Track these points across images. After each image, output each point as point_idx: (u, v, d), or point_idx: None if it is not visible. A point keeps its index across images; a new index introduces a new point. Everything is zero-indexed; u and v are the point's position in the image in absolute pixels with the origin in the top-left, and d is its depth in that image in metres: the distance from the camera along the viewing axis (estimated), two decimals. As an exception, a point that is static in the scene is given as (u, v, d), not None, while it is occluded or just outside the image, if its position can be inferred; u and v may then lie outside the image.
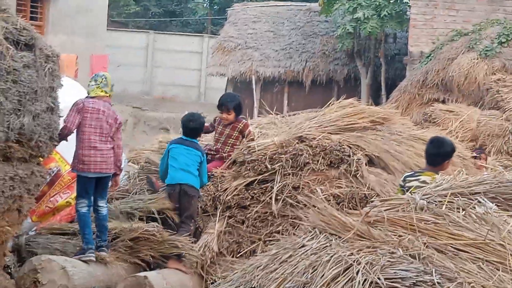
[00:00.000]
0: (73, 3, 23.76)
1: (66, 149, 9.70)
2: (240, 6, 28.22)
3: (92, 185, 8.25)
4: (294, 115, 10.87)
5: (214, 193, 8.93)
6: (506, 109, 14.27)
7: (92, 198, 8.28)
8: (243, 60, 25.07)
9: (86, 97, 8.33)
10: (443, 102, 15.98)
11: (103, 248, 8.08)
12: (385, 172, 9.29)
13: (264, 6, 28.18)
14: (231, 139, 9.39)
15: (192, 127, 9.03)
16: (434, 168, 7.33)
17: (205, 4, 46.85)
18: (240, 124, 9.42)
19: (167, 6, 44.29)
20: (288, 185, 8.79)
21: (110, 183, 8.54)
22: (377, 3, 21.16)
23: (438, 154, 7.48)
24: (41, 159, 7.76)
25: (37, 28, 7.46)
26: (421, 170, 7.70)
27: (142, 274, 7.82)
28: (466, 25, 18.41)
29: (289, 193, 8.74)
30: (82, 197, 8.22)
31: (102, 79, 8.37)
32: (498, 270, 4.44)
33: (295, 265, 4.63)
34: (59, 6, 23.36)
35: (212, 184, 9.00)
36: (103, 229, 8.23)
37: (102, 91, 8.30)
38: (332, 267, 4.34)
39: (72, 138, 9.31)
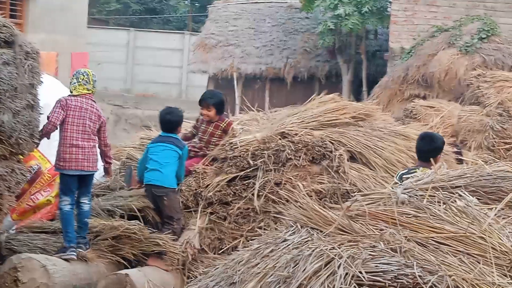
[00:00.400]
0: (53, 1, 23.64)
1: (47, 147, 9.67)
2: (221, 3, 28.18)
3: (75, 183, 8.20)
4: (275, 111, 10.83)
5: (196, 189, 8.90)
6: (487, 105, 14.32)
7: (75, 196, 8.24)
8: (224, 57, 25.07)
9: (69, 95, 8.26)
10: (424, 98, 16.03)
11: (80, 245, 8.04)
12: (366, 168, 9.30)
13: (245, 3, 28.16)
14: (214, 138, 9.30)
15: (169, 120, 8.94)
16: (427, 164, 7.39)
17: (186, 2, 46.80)
18: (223, 123, 9.33)
19: (147, 3, 44.16)
20: (270, 181, 8.78)
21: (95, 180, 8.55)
22: (358, 0, 21.20)
23: (430, 150, 7.65)
24: (22, 156, 7.73)
25: (17, 26, 7.43)
26: (415, 166, 7.87)
27: (123, 271, 7.79)
28: (446, 21, 18.51)
29: (271, 189, 8.73)
30: (64, 195, 8.17)
31: (84, 76, 8.29)
32: (479, 263, 4.46)
33: (277, 259, 4.62)
34: (39, 4, 23.24)
35: (194, 180, 8.97)
36: (84, 225, 8.20)
37: (84, 88, 8.23)
38: (314, 261, 4.34)
39: (54, 136, 9.29)
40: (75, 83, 8.24)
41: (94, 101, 8.32)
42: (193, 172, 9.02)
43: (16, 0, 22.52)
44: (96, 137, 8.29)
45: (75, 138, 8.05)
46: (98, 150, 8.41)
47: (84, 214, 8.22)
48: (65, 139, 8.07)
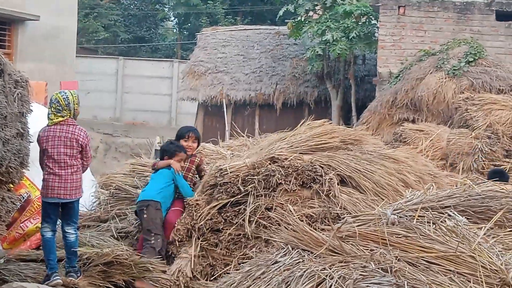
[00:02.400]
0: (41, 30, 23.68)
1: (36, 175, 9.68)
2: (209, 31, 28.28)
3: (55, 211, 8.12)
4: (265, 136, 10.85)
5: (190, 225, 8.85)
6: (475, 127, 14.35)
7: (56, 223, 8.18)
8: (214, 84, 25.12)
9: (46, 125, 8.09)
10: (413, 121, 16.05)
11: (71, 274, 8.00)
12: (357, 192, 9.29)
13: (233, 30, 28.29)
14: (190, 173, 9.22)
15: (163, 149, 9.21)
16: None
17: (174, 30, 46.99)
18: (197, 159, 9.33)
19: (136, 32, 44.34)
20: (261, 206, 8.76)
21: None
22: (346, 25, 21.31)
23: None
24: (12, 185, 7.72)
25: (6, 55, 7.41)
26: None
27: (115, 298, 7.79)
28: (433, 45, 18.61)
29: (262, 214, 8.72)
30: (45, 222, 8.12)
31: (55, 104, 8.05)
32: (470, 281, 4.48)
33: (268, 281, 4.63)
34: (27, 33, 23.28)
35: (188, 215, 8.92)
36: (71, 255, 8.10)
37: (57, 116, 8.02)
38: (305, 282, 4.35)
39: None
40: (49, 113, 8.08)
41: (73, 124, 8.07)
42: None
43: (5, 30, 22.57)
44: (78, 161, 8.10)
45: (51, 167, 7.95)
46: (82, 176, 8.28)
47: (70, 245, 8.09)
48: (45, 168, 8.03)
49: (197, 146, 9.51)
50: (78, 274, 8.07)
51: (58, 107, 8.02)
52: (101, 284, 8.13)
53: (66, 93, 8.19)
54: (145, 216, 8.58)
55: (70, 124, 8.05)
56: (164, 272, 8.28)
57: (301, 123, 10.53)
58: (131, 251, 8.32)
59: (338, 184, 9.12)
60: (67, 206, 8.15)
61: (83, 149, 8.14)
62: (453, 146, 14.03)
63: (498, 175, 10.37)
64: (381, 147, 10.90)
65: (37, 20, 23.14)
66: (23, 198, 9.57)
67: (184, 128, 9.63)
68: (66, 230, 8.13)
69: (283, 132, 10.32)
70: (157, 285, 8.20)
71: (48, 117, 8.09)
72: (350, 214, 8.20)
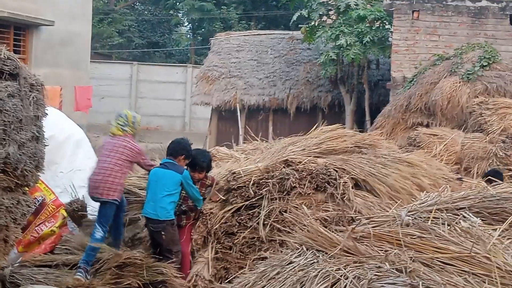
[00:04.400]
0: (56, 36, 23.81)
1: (51, 178, 9.73)
2: (223, 36, 28.31)
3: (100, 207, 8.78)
4: (278, 140, 10.86)
5: (205, 233, 8.88)
6: (490, 132, 14.32)
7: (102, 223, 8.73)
8: (227, 89, 25.12)
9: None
10: (427, 126, 16.03)
11: (80, 269, 8.14)
12: (371, 195, 9.28)
13: (247, 35, 28.31)
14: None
15: (172, 147, 8.99)
16: None
17: (188, 35, 47.08)
18: (208, 181, 9.17)
19: (150, 37, 44.49)
20: (275, 210, 8.77)
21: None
22: (359, 30, 21.30)
23: None
24: (27, 188, 7.75)
25: (21, 61, 7.50)
26: None
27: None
28: (448, 50, 18.58)
29: (276, 218, 8.72)
30: None
31: (122, 118, 8.98)
32: (484, 282, 4.47)
33: (283, 281, 4.63)
34: (42, 39, 23.41)
35: (202, 223, 8.93)
36: (87, 249, 8.41)
37: (119, 130, 8.91)
38: (320, 282, 4.35)
39: (58, 167, 9.41)
40: (113, 125, 9.01)
41: (131, 140, 8.92)
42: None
43: (20, 35, 22.69)
44: (119, 169, 8.73)
45: (96, 167, 8.83)
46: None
47: (92, 240, 8.47)
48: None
49: (208, 170, 9.31)
50: (85, 273, 8.14)
51: (124, 122, 8.95)
52: (113, 286, 8.16)
53: (135, 113, 9.26)
54: (163, 237, 8.53)
55: (129, 140, 8.93)
56: (178, 277, 8.28)
57: (314, 127, 10.54)
58: (144, 253, 8.34)
59: (352, 187, 9.12)
60: (101, 205, 8.78)
61: (138, 158, 8.92)
62: (468, 150, 13.99)
63: (495, 174, 10.43)
64: (396, 151, 10.89)
65: (52, 26, 23.28)
66: (38, 201, 9.61)
67: (194, 159, 9.13)
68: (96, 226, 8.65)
69: (296, 137, 10.34)
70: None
71: (111, 128, 9.06)
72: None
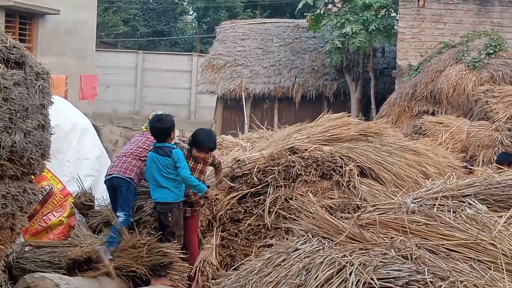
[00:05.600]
0: (61, 25, 23.83)
1: (58, 167, 9.74)
2: (228, 24, 28.30)
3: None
4: (284, 128, 10.86)
5: (210, 216, 8.89)
6: (495, 120, 14.32)
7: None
8: (233, 77, 25.14)
9: None
10: (433, 114, 16.02)
11: (103, 246, 8.23)
12: (377, 183, 9.29)
13: (252, 23, 28.29)
14: (203, 176, 8.86)
15: (159, 128, 8.63)
16: None
17: (193, 23, 47.06)
18: (210, 158, 8.89)
19: (155, 26, 44.47)
20: (281, 197, 8.78)
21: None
22: (365, 18, 21.27)
23: None
24: (33, 176, 7.75)
25: (26, 49, 7.50)
26: None
27: (137, 290, 7.83)
28: (453, 38, 18.55)
29: (282, 205, 8.73)
30: None
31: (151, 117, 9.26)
32: (490, 269, 4.48)
33: (289, 268, 4.65)
34: (48, 27, 23.43)
35: (208, 208, 8.93)
36: (111, 232, 8.50)
37: (146, 127, 9.37)
38: (326, 269, 4.36)
39: (65, 156, 9.45)
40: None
41: (149, 134, 9.06)
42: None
43: (25, 24, 22.71)
44: (136, 154, 9.00)
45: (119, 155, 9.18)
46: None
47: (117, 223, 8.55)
48: None
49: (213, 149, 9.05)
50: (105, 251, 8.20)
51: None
52: (120, 274, 8.18)
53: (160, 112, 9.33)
54: (170, 219, 8.46)
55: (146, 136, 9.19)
56: (183, 259, 8.27)
57: (320, 116, 10.54)
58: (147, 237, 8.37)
59: (358, 175, 9.12)
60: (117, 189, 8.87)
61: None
62: (473, 138, 14.00)
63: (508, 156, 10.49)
64: (401, 139, 10.89)
65: (57, 15, 23.29)
66: (45, 190, 9.61)
67: (200, 140, 8.77)
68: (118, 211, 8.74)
69: (302, 125, 10.34)
70: (177, 275, 8.22)
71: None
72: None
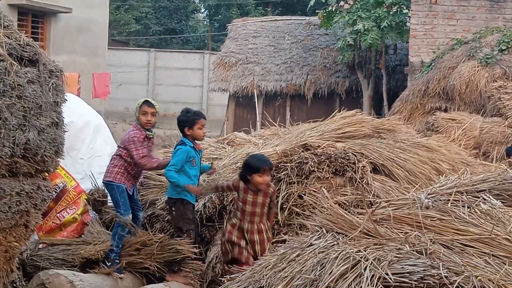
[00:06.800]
0: (73, 23, 23.89)
1: (71, 165, 9.77)
2: (240, 22, 28.32)
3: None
4: (296, 125, 10.88)
5: (219, 206, 8.88)
6: (508, 116, 14.27)
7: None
8: (245, 75, 25.15)
9: None
10: (445, 110, 15.97)
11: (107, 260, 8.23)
12: (390, 180, 9.27)
13: (264, 21, 28.31)
14: (265, 209, 7.98)
15: (177, 119, 8.68)
16: None
17: (205, 21, 47.08)
18: (270, 189, 8.01)
19: (167, 24, 44.52)
20: (294, 194, 8.76)
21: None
22: (377, 15, 21.24)
23: None
24: (47, 174, 7.78)
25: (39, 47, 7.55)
26: None
27: (149, 286, 7.83)
28: (466, 34, 18.50)
29: (295, 202, 8.72)
30: None
31: None
32: (505, 264, 4.47)
33: (303, 263, 4.65)
34: (60, 26, 23.50)
35: (217, 197, 8.93)
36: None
37: None
38: (340, 264, 4.37)
39: (78, 153, 9.48)
40: None
41: (133, 128, 8.79)
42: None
43: (38, 23, 22.78)
44: (117, 155, 8.70)
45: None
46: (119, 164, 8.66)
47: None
48: None
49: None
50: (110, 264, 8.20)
51: None
52: (133, 271, 8.21)
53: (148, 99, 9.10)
54: (173, 213, 8.43)
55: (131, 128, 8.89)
56: (195, 254, 8.27)
57: (332, 113, 10.54)
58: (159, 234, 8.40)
59: (371, 172, 9.11)
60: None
61: (127, 148, 8.62)
62: (486, 135, 13.96)
63: None
64: (414, 136, 10.88)
65: (70, 13, 23.36)
66: (59, 188, 9.65)
67: (260, 160, 8.00)
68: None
69: (315, 122, 10.34)
70: (190, 272, 8.24)
71: None
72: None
